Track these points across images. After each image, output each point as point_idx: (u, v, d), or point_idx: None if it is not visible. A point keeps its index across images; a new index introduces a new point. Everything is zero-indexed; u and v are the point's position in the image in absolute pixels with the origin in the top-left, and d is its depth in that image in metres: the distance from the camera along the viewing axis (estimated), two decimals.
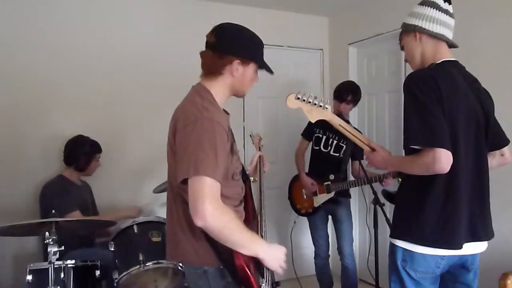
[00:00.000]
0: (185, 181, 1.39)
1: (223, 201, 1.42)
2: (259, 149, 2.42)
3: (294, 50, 4.27)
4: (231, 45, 1.57)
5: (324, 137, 3.30)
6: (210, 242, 1.45)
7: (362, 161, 2.70)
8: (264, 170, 2.17)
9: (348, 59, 4.24)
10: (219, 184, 1.38)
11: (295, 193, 3.46)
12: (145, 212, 3.22)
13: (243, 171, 1.78)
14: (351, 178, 3.43)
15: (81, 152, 3.02)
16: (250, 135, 2.61)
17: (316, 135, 3.34)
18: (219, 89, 1.60)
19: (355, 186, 3.19)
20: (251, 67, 1.61)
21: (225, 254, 1.44)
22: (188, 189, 1.36)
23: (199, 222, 1.32)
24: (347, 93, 3.23)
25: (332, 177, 3.22)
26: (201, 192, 1.32)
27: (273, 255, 1.46)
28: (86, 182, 3.22)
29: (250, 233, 1.43)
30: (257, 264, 1.47)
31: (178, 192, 1.53)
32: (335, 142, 3.28)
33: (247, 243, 1.41)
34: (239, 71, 1.58)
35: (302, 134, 3.46)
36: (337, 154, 3.28)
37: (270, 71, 1.67)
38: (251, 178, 2.02)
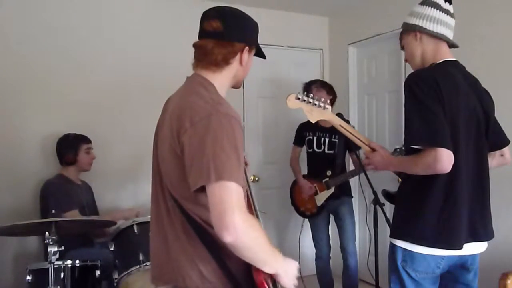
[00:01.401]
0: (198, 189, 1.18)
1: None
2: None
3: (294, 50, 4.27)
4: (242, 31, 1.41)
5: (315, 138, 3.36)
6: (218, 260, 1.27)
7: (358, 152, 2.70)
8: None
9: (348, 59, 4.24)
10: (243, 191, 1.18)
11: (297, 198, 3.48)
12: (145, 211, 3.22)
13: None
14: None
15: (66, 146, 3.03)
16: None
17: (307, 138, 3.40)
18: (223, 81, 1.41)
19: (353, 176, 3.23)
20: (252, 53, 1.46)
21: (237, 273, 1.27)
22: (210, 198, 1.14)
23: (228, 238, 1.11)
24: (314, 80, 3.34)
25: (329, 173, 3.27)
26: (228, 202, 1.12)
27: (289, 272, 1.30)
28: (86, 182, 3.22)
29: (273, 249, 1.25)
30: (273, 282, 1.29)
31: (175, 203, 1.31)
32: (327, 140, 3.33)
33: (272, 260, 1.24)
34: (245, 59, 1.42)
35: (293, 143, 3.52)
36: (332, 151, 3.32)
37: (264, 55, 1.53)
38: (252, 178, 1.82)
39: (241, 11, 1.45)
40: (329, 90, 3.29)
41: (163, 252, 1.35)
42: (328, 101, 1.89)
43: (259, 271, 1.24)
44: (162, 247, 1.36)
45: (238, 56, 1.40)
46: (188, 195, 1.24)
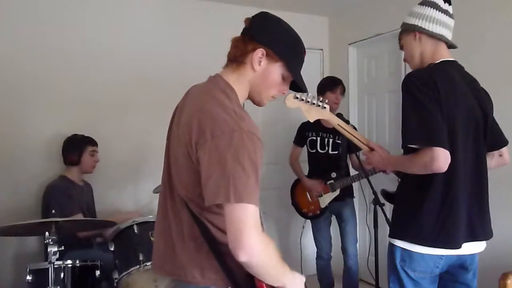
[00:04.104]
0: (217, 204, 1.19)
1: None
2: None
3: None
4: (262, 32, 1.34)
5: (319, 138, 3.32)
6: (220, 260, 1.28)
7: (358, 153, 2.70)
8: None
9: (348, 59, 4.24)
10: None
11: (299, 198, 3.43)
12: (145, 212, 3.22)
13: None
14: (354, 172, 3.42)
15: (72, 146, 3.04)
16: None
17: (309, 138, 3.35)
18: (240, 84, 1.35)
19: (358, 179, 3.20)
20: (278, 68, 1.35)
21: (237, 274, 1.28)
22: (227, 217, 1.15)
23: (244, 258, 1.13)
24: (337, 83, 3.26)
25: (334, 175, 3.23)
26: (246, 224, 1.13)
27: (297, 286, 1.32)
28: (88, 182, 3.22)
29: (284, 265, 1.28)
30: None
31: (182, 201, 1.32)
32: (331, 140, 3.29)
33: (281, 277, 1.27)
34: (261, 66, 1.33)
35: (293, 142, 3.46)
36: (336, 152, 3.30)
37: (303, 87, 1.42)
38: None
39: (286, 23, 1.39)
40: (343, 87, 3.29)
41: (167, 246, 1.36)
42: (327, 100, 1.89)
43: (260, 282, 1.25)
44: (166, 241, 1.37)
45: (250, 56, 1.33)
46: (197, 199, 1.25)
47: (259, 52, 1.32)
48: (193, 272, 1.29)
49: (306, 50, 1.41)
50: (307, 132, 3.35)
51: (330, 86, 3.24)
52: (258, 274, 1.22)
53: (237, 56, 1.34)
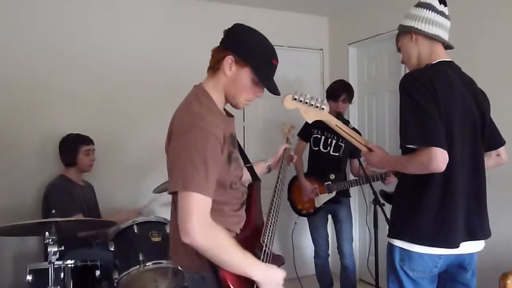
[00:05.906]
0: (175, 192, 1.37)
1: (222, 207, 1.46)
2: (287, 140, 2.28)
3: (294, 50, 4.27)
4: (231, 40, 1.49)
5: (323, 137, 3.31)
6: None
7: (361, 159, 2.69)
8: (289, 163, 2.12)
9: (348, 59, 4.24)
10: (210, 200, 1.33)
11: (295, 194, 3.45)
12: (145, 212, 3.23)
13: (253, 172, 1.80)
14: (351, 177, 3.43)
15: (66, 147, 3.03)
16: (282, 123, 2.52)
17: (314, 135, 3.34)
18: (216, 90, 1.50)
19: (356, 185, 3.18)
20: (246, 72, 1.47)
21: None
22: (178, 203, 1.32)
23: (185, 239, 1.29)
24: (341, 92, 3.22)
25: (332, 176, 3.23)
26: (188, 209, 1.28)
27: (271, 279, 1.41)
28: (89, 183, 3.22)
29: (242, 254, 1.36)
30: (250, 284, 1.40)
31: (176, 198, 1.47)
32: (334, 141, 3.29)
33: (237, 264, 1.36)
34: (232, 71, 1.46)
35: (298, 135, 3.41)
36: (337, 154, 3.29)
37: (272, 89, 1.52)
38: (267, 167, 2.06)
39: (256, 32, 1.51)
40: (348, 96, 3.23)
41: (171, 236, 1.57)
42: (325, 101, 1.90)
43: (223, 269, 1.37)
44: (172, 231, 1.57)
45: (222, 63, 1.47)
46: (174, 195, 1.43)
47: (229, 59, 1.46)
48: (188, 261, 1.48)
49: (277, 58, 1.53)
50: (313, 129, 3.31)
51: (333, 94, 3.23)
52: (210, 258, 1.34)
53: (213, 64, 1.50)
